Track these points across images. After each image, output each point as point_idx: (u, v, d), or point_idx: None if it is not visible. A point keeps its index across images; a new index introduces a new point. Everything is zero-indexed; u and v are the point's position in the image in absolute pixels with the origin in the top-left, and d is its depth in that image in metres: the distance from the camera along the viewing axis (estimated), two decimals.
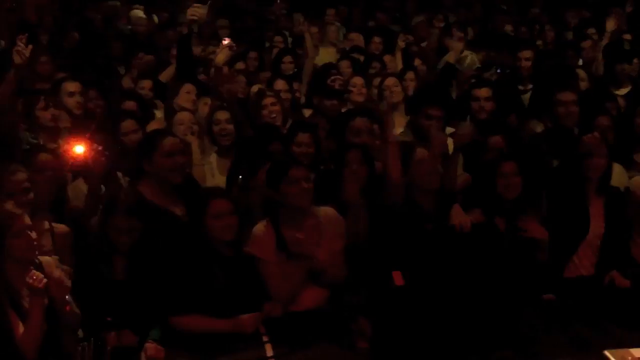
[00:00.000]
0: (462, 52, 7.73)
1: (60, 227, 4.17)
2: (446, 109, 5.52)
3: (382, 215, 4.56)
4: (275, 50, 8.49)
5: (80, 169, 4.58)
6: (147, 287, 4.04)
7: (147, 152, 4.49)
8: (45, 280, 3.51)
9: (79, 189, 4.68)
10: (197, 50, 7.26)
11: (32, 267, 3.55)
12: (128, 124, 5.26)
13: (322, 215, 4.33)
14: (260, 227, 4.24)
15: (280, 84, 6.53)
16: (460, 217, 4.53)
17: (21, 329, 3.51)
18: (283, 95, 6.25)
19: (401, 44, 8.05)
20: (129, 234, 4.10)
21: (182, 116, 5.59)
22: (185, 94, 6.18)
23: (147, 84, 6.83)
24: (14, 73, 4.72)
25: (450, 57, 7.58)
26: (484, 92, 5.96)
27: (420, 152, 4.68)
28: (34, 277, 3.48)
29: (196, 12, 6.40)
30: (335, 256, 4.29)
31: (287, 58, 7.84)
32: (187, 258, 4.08)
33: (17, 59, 4.67)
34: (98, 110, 5.85)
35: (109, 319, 3.92)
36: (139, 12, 9.34)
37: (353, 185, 4.60)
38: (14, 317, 3.52)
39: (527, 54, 6.97)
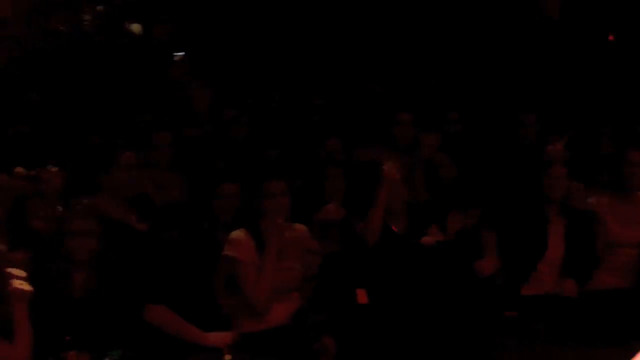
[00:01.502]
0: None
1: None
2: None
3: (349, 233, 4.55)
4: None
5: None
6: (109, 303, 3.96)
7: (104, 166, 4.46)
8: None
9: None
10: None
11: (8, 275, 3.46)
12: None
13: (296, 230, 4.30)
14: (238, 233, 4.19)
15: None
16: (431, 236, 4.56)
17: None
18: None
19: None
20: (86, 238, 3.95)
21: None
22: None
23: None
24: None
25: None
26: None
27: (388, 168, 4.68)
28: (18, 283, 3.41)
29: None
30: (306, 275, 4.27)
31: None
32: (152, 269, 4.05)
33: None
34: None
35: (67, 338, 3.82)
36: None
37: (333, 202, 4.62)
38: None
39: None
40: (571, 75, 8.10)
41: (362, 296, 4.33)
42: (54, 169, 4.40)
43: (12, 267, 3.68)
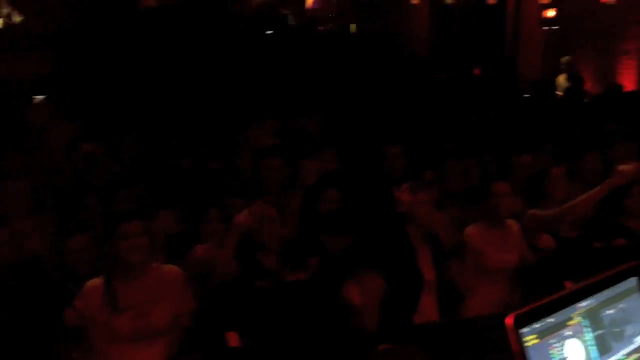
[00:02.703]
0: None
1: None
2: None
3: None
4: None
5: None
6: None
7: None
8: None
9: None
10: None
11: None
12: None
13: (165, 272, 4.15)
14: (93, 281, 4.02)
15: None
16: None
17: None
18: None
19: None
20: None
21: None
22: None
23: None
24: None
25: None
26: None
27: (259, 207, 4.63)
28: None
29: None
30: (178, 319, 4.12)
31: None
32: None
33: None
34: None
35: None
36: None
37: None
38: None
39: None
40: (438, 107, 8.40)
41: (233, 339, 4.22)
42: None
43: None
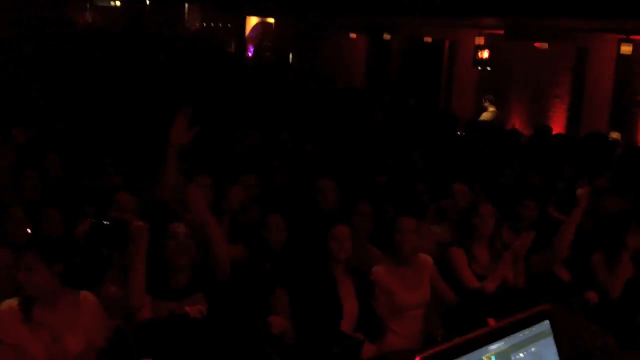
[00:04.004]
0: None
1: None
2: None
3: None
4: None
5: None
6: None
7: None
8: None
9: None
10: None
11: None
12: None
13: (79, 298, 4.01)
14: (8, 302, 3.85)
15: None
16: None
17: None
18: None
19: None
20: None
21: None
22: None
23: None
24: None
25: None
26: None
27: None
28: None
29: None
30: (92, 346, 3.98)
31: None
32: None
33: None
34: None
35: None
36: None
37: None
38: None
39: None
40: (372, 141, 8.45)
41: None
42: None
43: None
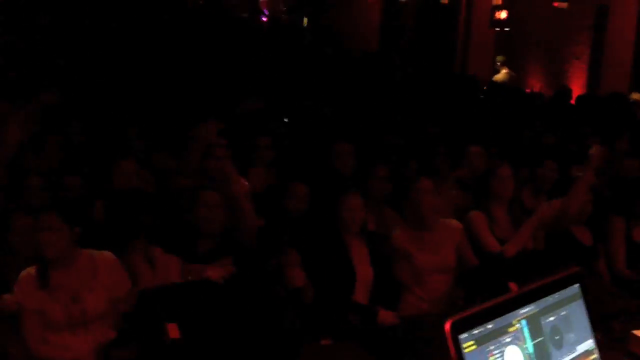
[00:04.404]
0: None
1: None
2: None
3: None
4: None
5: None
6: None
7: None
8: None
9: None
10: None
11: None
12: None
13: (97, 258, 4.05)
14: (27, 270, 3.92)
15: None
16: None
17: None
18: None
19: None
20: None
21: None
22: None
23: None
24: None
25: None
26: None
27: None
28: None
29: None
30: (113, 305, 4.03)
31: None
32: None
33: None
34: None
35: None
36: None
37: None
38: None
39: None
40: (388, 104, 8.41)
41: (173, 331, 4.14)
42: None
43: None
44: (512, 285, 4.68)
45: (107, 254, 4.11)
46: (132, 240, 4.40)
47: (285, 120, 7.73)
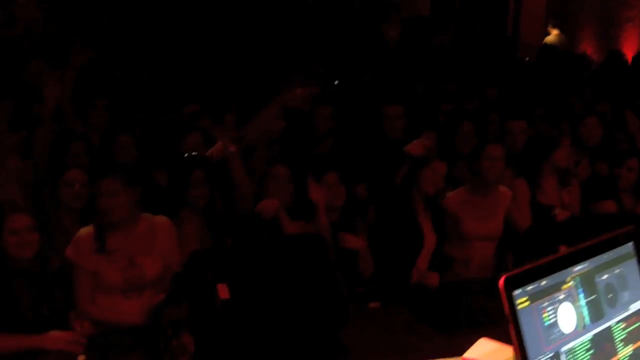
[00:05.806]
0: None
1: None
2: None
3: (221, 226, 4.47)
4: None
5: None
6: None
7: None
8: None
9: None
10: None
11: None
12: None
13: (155, 222, 4.11)
14: (84, 230, 3.99)
15: None
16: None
17: None
18: None
19: None
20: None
21: None
22: None
23: None
24: None
25: None
26: None
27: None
28: None
29: None
30: (170, 270, 4.09)
31: None
32: None
33: None
34: None
35: None
36: None
37: None
38: None
39: None
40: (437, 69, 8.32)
41: (223, 291, 4.20)
42: None
43: None
44: (563, 249, 4.65)
45: (164, 218, 4.16)
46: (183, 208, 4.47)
47: (336, 82, 7.67)
